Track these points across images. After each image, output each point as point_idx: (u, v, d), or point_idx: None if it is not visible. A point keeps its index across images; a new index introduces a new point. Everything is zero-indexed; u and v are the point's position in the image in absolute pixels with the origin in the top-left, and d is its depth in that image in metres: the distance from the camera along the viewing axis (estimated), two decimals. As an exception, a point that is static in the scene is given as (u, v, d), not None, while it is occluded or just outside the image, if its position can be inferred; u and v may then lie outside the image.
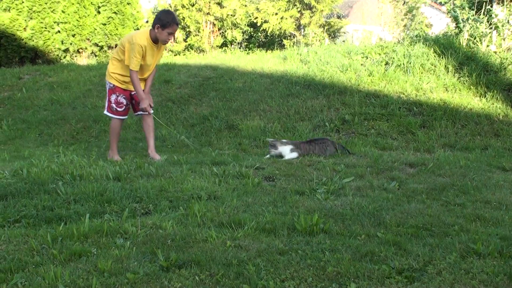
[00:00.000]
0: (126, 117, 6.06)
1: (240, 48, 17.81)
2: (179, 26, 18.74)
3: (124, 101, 5.91)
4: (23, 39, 15.46)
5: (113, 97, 5.87)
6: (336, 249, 2.80)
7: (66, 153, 6.04)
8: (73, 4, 16.07)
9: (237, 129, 7.32)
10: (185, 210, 3.55)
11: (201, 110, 8.16)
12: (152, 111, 5.92)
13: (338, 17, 19.21)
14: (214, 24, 18.42)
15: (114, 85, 5.85)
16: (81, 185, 4.15)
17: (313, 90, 8.24)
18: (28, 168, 4.76)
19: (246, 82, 8.96)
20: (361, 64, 9.01)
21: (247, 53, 14.98)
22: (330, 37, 16.68)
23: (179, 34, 18.58)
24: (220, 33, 18.62)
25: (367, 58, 9.23)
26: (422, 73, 8.43)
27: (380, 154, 5.71)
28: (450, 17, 10.30)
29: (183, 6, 18.16)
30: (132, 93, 5.91)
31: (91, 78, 10.80)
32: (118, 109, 5.91)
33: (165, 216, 3.46)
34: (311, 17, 16.09)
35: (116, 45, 16.73)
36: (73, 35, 16.26)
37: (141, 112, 5.92)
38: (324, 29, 16.33)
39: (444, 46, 8.88)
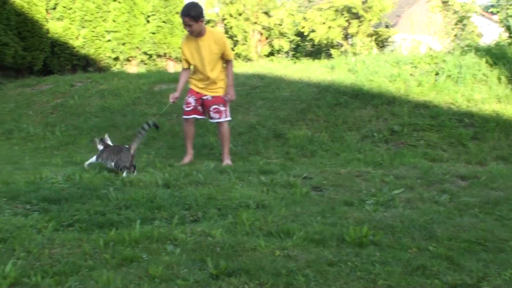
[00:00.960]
0: (191, 116, 6.19)
1: (287, 57, 17.82)
2: (227, 35, 18.98)
3: (192, 102, 6.12)
4: (75, 48, 15.86)
5: (186, 98, 6.17)
6: (386, 262, 2.76)
7: (116, 159, 6.14)
8: (123, 13, 16.41)
9: (284, 138, 7.31)
10: (234, 218, 3.55)
11: (248, 119, 8.19)
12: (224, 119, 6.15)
13: (386, 26, 19.01)
14: (261, 33, 18.50)
15: (190, 88, 6.17)
16: (131, 191, 4.21)
17: (361, 100, 8.18)
18: (80, 174, 4.86)
19: (293, 91, 8.95)
20: (410, 74, 8.89)
21: (294, 62, 14.98)
22: (378, 47, 16.50)
23: (227, 43, 18.73)
24: (267, 42, 18.68)
25: (416, 68, 9.10)
26: (473, 83, 8.26)
27: (430, 165, 5.60)
28: (503, 26, 10.08)
29: (230, 16, 18.31)
30: (204, 97, 6.07)
31: (140, 86, 10.98)
32: (186, 108, 6.15)
33: (213, 223, 3.47)
34: (359, 26, 15.97)
35: (165, 54, 17.02)
36: (123, 44, 16.59)
37: (215, 120, 6.16)
38: (372, 38, 16.19)
39: (496, 56, 8.68)
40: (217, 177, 4.96)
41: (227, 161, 6.07)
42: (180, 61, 6.49)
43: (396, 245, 3.05)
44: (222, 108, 6.08)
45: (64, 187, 4.39)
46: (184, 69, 6.26)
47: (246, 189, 4.42)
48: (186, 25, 5.87)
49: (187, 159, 6.18)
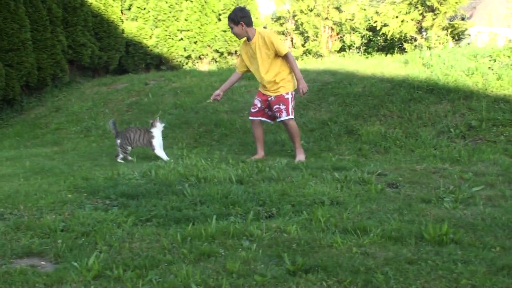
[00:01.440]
0: (256, 118, 6.33)
1: (358, 52, 17.57)
2: (298, 31, 18.92)
3: (258, 104, 6.27)
4: (148, 47, 16.24)
5: (253, 100, 6.39)
6: (469, 261, 2.67)
7: (189, 156, 6.24)
8: (195, 12, 16.65)
9: (357, 134, 7.21)
10: (309, 215, 3.54)
11: (320, 115, 8.13)
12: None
13: (462, 18, 18.38)
14: (332, 29, 18.31)
15: (258, 90, 6.32)
16: (206, 187, 4.27)
17: (436, 95, 7.95)
18: (155, 170, 4.98)
19: (366, 86, 8.82)
20: (489, 68, 8.56)
21: (366, 57, 14.74)
22: (454, 40, 15.95)
23: (297, 39, 18.66)
24: (339, 38, 18.47)
25: (495, 61, 8.76)
26: (557, 76, 7.87)
27: (511, 162, 5.38)
28: None
29: (301, 12, 18.22)
30: (269, 99, 6.12)
31: (212, 84, 11.10)
32: (252, 110, 6.35)
33: (288, 220, 3.47)
34: (433, 19, 15.46)
35: (235, 51, 17.17)
36: (195, 42, 16.84)
37: (278, 119, 6.18)
38: (447, 31, 15.67)
39: None
40: (289, 173, 4.95)
41: (299, 156, 6.05)
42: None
43: (478, 244, 2.94)
44: (282, 107, 6.07)
45: (141, 183, 4.51)
46: (236, 72, 6.49)
47: (319, 186, 4.39)
48: (229, 27, 6.14)
49: (256, 157, 6.21)
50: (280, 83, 6.06)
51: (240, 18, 5.95)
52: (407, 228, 3.20)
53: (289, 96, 6.09)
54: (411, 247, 2.91)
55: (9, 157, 7.14)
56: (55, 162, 6.39)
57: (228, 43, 17.05)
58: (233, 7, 16.90)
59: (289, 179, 4.68)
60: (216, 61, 17.41)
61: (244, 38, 6.13)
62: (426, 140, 6.68)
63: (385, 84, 8.74)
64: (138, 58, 16.23)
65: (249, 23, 6.02)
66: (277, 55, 6.00)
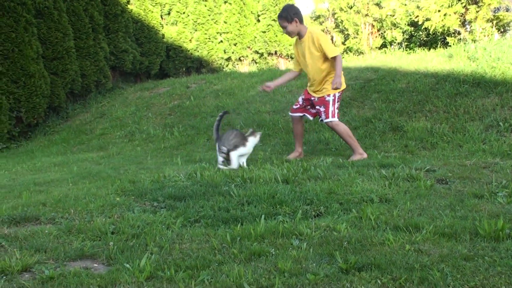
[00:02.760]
0: (295, 114, 6.28)
1: (400, 48, 17.32)
2: (337, 29, 18.83)
3: (301, 101, 6.24)
4: (189, 50, 16.39)
5: (298, 97, 6.36)
6: (528, 257, 2.57)
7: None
8: (234, 14, 16.72)
9: (402, 130, 7.10)
10: (358, 213, 3.48)
11: (363, 113, 8.03)
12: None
13: (507, 10, 17.91)
14: (373, 25, 18.13)
15: (306, 88, 6.25)
16: (252, 187, 4.25)
17: (483, 88, 7.76)
18: (201, 172, 4.99)
19: (410, 82, 8.67)
20: (537, 59, 8.32)
21: (408, 53, 14.52)
22: (499, 32, 15.55)
23: (338, 37, 18.54)
24: (379, 34, 18.27)
25: (543, 51, 8.51)
26: None
27: None
28: None
29: (341, 9, 18.12)
30: (312, 99, 6.07)
31: (253, 85, 11.12)
32: (293, 106, 6.34)
33: (337, 218, 3.42)
34: (477, 11, 15.12)
35: (275, 52, 17.14)
36: (235, 44, 16.90)
37: (323, 121, 6.09)
38: (492, 23, 15.29)
39: None
40: (335, 172, 4.89)
41: (352, 157, 5.91)
42: (291, 58, 6.54)
43: (536, 239, 2.84)
44: (322, 109, 5.97)
45: (187, 184, 4.52)
46: (291, 70, 6.41)
47: (367, 183, 4.33)
48: (282, 27, 6.00)
49: (292, 155, 6.18)
50: (324, 85, 5.92)
51: (293, 15, 5.86)
52: (461, 224, 3.11)
53: (330, 99, 5.92)
54: (466, 243, 2.83)
55: (57, 163, 7.28)
56: (102, 167, 6.48)
57: (267, 43, 17.06)
58: (272, 8, 17.01)
59: (336, 177, 4.63)
60: (256, 62, 17.44)
61: (296, 37, 6.04)
62: (474, 135, 6.53)
63: (429, 79, 8.58)
64: (178, 62, 16.39)
65: (302, 20, 5.96)
66: (326, 56, 5.86)
